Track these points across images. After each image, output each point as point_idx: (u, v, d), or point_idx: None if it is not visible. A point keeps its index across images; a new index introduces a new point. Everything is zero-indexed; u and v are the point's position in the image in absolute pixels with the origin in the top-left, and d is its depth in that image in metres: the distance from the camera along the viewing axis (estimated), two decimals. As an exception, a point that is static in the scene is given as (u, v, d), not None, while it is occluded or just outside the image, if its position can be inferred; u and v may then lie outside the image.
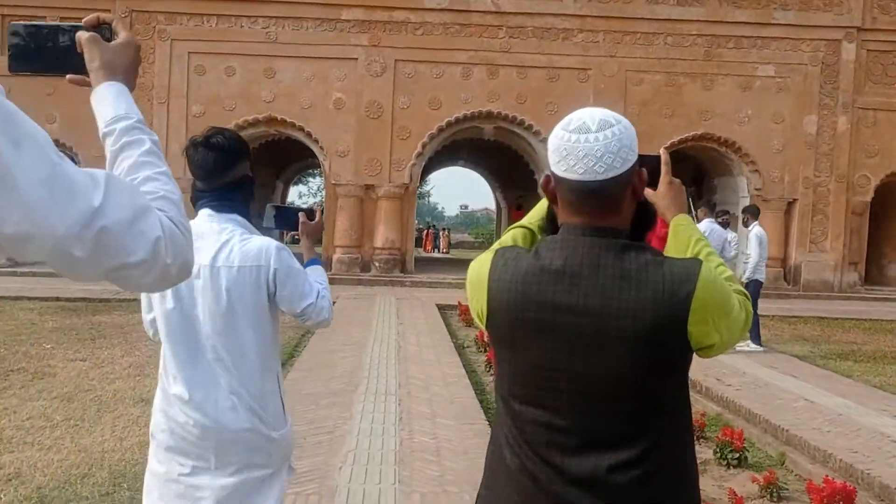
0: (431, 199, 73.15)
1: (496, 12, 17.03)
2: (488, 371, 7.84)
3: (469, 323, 11.51)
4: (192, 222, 1.79)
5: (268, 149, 20.01)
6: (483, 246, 41.33)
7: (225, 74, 16.76)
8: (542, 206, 1.70)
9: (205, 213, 2.17)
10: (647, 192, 1.61)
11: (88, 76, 1.17)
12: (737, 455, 4.89)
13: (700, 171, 21.28)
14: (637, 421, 1.38)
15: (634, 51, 17.27)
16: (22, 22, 1.17)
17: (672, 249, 1.59)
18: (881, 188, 18.10)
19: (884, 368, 8.49)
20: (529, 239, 1.68)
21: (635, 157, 1.43)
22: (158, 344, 2.25)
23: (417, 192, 19.44)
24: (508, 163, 23.01)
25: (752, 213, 9.92)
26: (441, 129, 17.12)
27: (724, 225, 10.55)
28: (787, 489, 4.48)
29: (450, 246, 37.04)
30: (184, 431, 2.12)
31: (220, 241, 2.11)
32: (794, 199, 17.75)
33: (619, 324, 1.35)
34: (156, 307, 2.18)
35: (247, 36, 16.75)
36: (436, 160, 21.41)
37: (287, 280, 2.17)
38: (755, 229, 9.57)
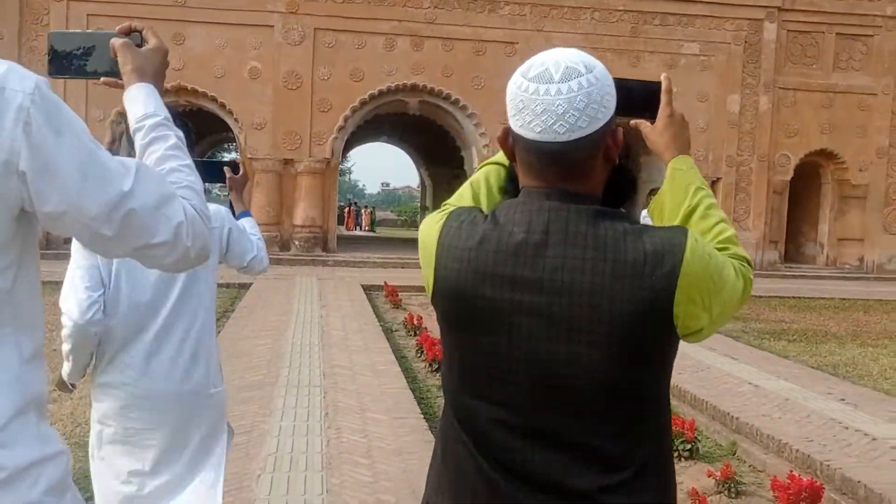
0: (352, 177, 72.10)
1: (421, -19, 16.46)
2: (419, 357, 7.42)
3: (396, 304, 11.06)
4: None
5: (177, 120, 18.87)
6: (406, 224, 40.78)
7: (129, 39, 15.61)
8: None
9: None
10: (643, 127, 1.44)
11: (121, 79, 1.28)
12: (688, 446, 4.62)
13: (627, 149, 21.32)
14: (614, 422, 1.19)
15: (561, 25, 17.02)
16: (59, 30, 1.33)
17: (668, 200, 1.37)
18: (800, 167, 18.53)
19: (817, 348, 8.51)
20: (504, 177, 1.40)
21: (609, 115, 1.20)
22: None
23: (339, 168, 18.77)
24: (434, 139, 22.54)
25: None
26: (364, 103, 16.48)
27: None
28: (744, 483, 4.24)
29: (374, 224, 36.47)
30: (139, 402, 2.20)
31: None
32: (718, 178, 17.97)
33: (592, 304, 1.14)
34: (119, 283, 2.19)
35: (153, -2, 15.64)
36: (358, 135, 20.71)
37: (238, 238, 2.44)
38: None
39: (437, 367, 6.85)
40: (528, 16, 16.84)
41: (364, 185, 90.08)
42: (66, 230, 1.04)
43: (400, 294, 11.63)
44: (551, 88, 1.16)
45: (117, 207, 1.02)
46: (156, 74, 1.30)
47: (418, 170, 29.70)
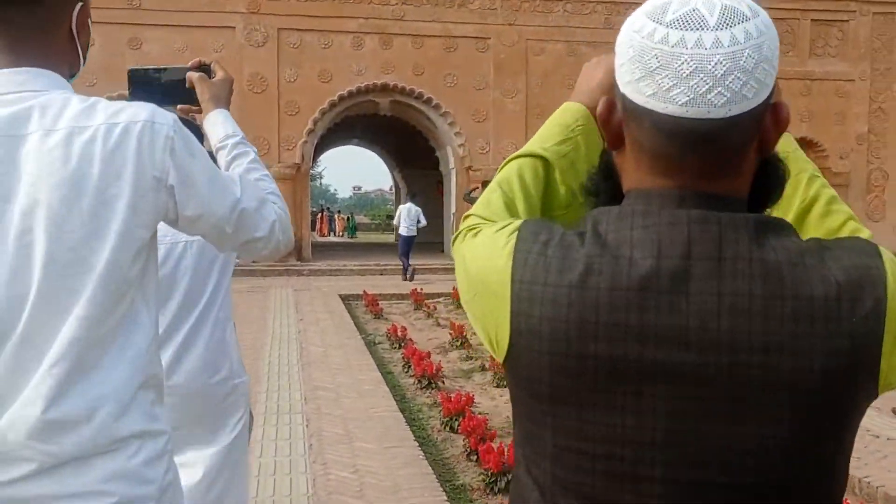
0: (323, 181, 71.41)
1: (388, -24, 16.01)
2: (406, 372, 6.98)
3: (377, 314, 10.60)
4: None
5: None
6: (381, 228, 40.14)
7: (82, 45, 14.98)
8: (566, 125, 1.07)
9: None
10: None
11: (195, 105, 1.54)
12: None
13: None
14: None
15: (533, 18, 16.68)
16: (138, 66, 1.51)
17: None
18: (779, 156, 18.38)
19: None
20: (543, 178, 1.05)
21: (774, 80, 0.81)
22: None
23: (310, 173, 18.26)
24: (407, 140, 22.10)
25: None
26: (333, 104, 15.99)
27: None
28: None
29: (353, 229, 35.97)
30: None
31: None
32: (699, 170, 17.75)
33: (768, 362, 0.77)
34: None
35: (105, 1, 14.98)
36: (328, 138, 20.20)
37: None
38: None
39: (427, 383, 6.42)
40: (498, 10, 16.47)
41: (336, 190, 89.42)
42: (198, 230, 1.28)
43: (381, 303, 11.18)
44: (705, 38, 0.78)
45: (234, 210, 1.28)
46: (227, 101, 1.54)
47: (391, 172, 29.24)
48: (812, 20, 18.16)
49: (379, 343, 8.57)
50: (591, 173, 0.94)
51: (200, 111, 1.53)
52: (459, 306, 11.78)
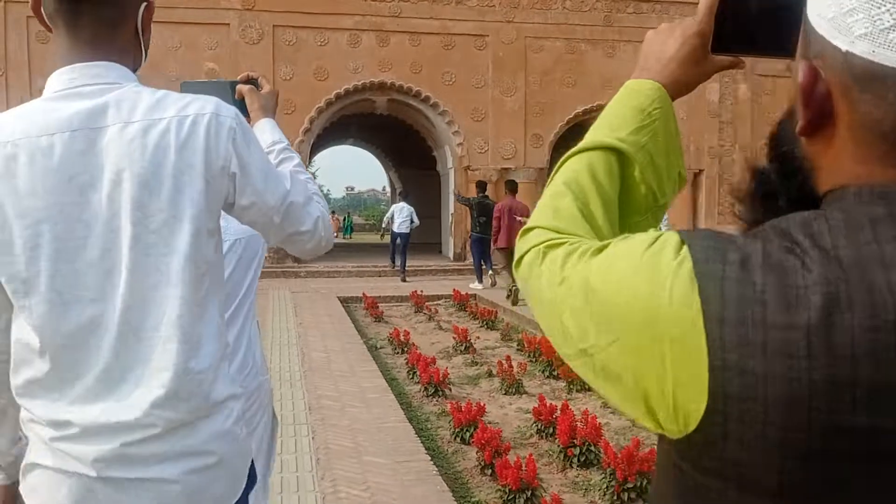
0: (318, 181, 71.08)
1: (385, -27, 15.78)
2: (412, 378, 6.78)
3: (378, 318, 10.39)
4: None
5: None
6: (375, 228, 39.87)
7: (74, 43, 14.70)
8: (641, 108, 0.90)
9: None
10: None
11: (246, 115, 1.62)
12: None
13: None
14: None
15: (532, 16, 16.48)
16: (190, 80, 1.71)
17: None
18: (780, 156, 18.24)
19: None
20: (619, 176, 0.87)
21: None
22: None
23: (305, 173, 18.01)
24: (403, 139, 21.87)
25: None
26: (330, 103, 15.74)
27: None
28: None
29: (350, 229, 35.78)
30: None
31: None
32: (701, 170, 17.59)
33: None
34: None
35: (98, -2, 14.73)
36: (324, 138, 19.92)
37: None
38: None
39: (433, 391, 6.22)
40: (497, 7, 16.26)
41: (329, 190, 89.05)
42: (249, 217, 1.38)
43: (380, 306, 10.97)
44: None
45: (283, 202, 1.39)
46: (273, 110, 1.66)
47: (387, 172, 28.99)
48: (813, 18, 18.05)
49: (381, 347, 8.36)
50: (759, 169, 0.73)
51: (249, 120, 1.64)
52: (461, 308, 11.64)
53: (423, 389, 6.33)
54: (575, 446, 4.48)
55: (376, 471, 4.15)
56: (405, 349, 7.97)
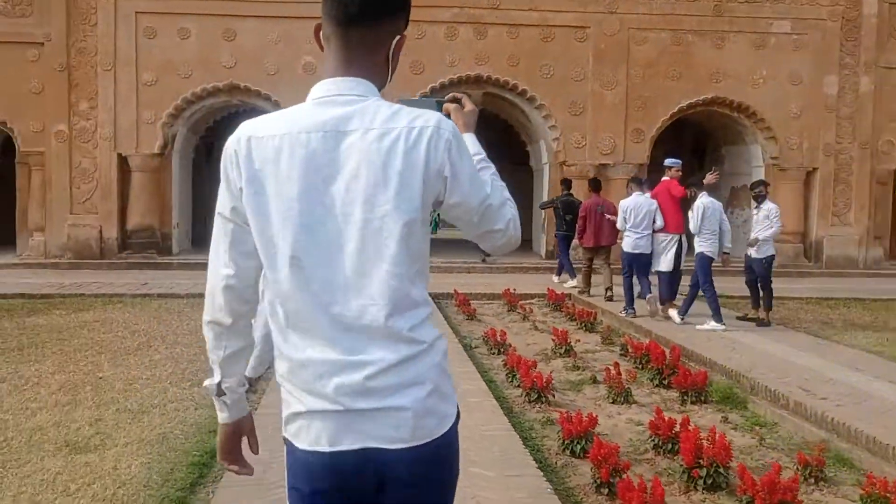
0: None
1: (484, -36, 15.48)
2: (511, 382, 6.47)
3: (471, 316, 10.11)
4: None
5: (231, 122, 18.30)
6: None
7: (179, 37, 15.04)
8: None
9: None
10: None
11: None
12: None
13: (701, 140, 20.01)
14: None
15: (636, 6, 15.84)
16: (410, 98, 1.82)
17: None
18: (904, 155, 16.94)
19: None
20: None
21: None
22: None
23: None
24: (496, 134, 21.51)
25: (696, 184, 9.64)
26: (425, 97, 15.57)
27: (760, 198, 9.70)
28: None
29: (434, 226, 35.66)
30: None
31: None
32: (814, 168, 16.53)
33: None
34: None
35: (202, -7, 15.04)
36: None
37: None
38: (700, 200, 9.36)
39: (535, 396, 5.89)
40: (600, -3, 15.72)
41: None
42: (454, 214, 1.64)
43: (472, 303, 10.69)
44: None
45: (483, 203, 1.64)
46: (474, 126, 1.83)
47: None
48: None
49: (476, 347, 8.08)
50: None
51: None
52: (556, 308, 11.21)
53: (524, 395, 6.01)
54: (701, 467, 4.07)
55: (484, 484, 3.85)
56: (502, 350, 7.66)
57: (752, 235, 9.70)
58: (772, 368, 6.76)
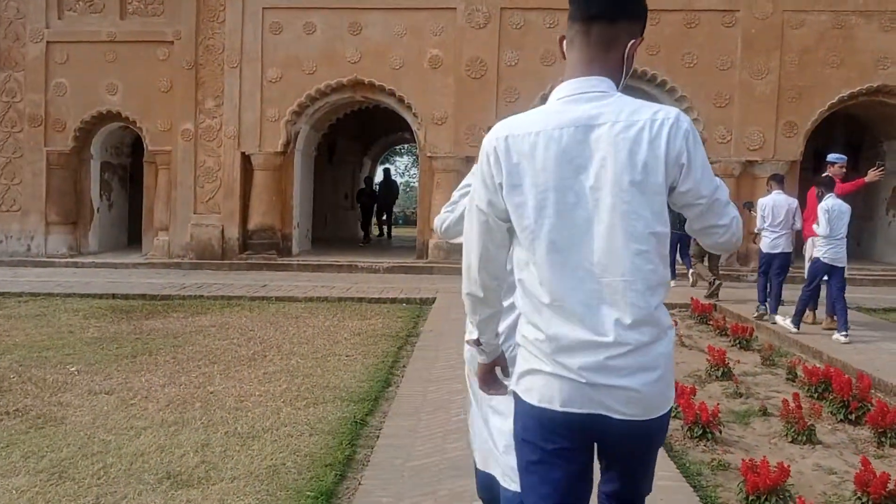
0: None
1: (621, -54, 14.45)
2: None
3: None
4: None
5: (354, 119, 18.14)
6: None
7: (304, 32, 14.89)
8: None
9: None
10: None
11: None
12: None
13: (856, 134, 18.11)
14: None
15: (794, -15, 14.38)
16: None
17: None
18: None
19: None
20: None
21: None
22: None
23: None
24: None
25: (825, 184, 9.10)
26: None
27: None
28: None
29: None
30: None
31: None
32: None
33: None
34: None
35: (326, -14, 14.83)
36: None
37: None
38: (825, 202, 8.90)
39: (700, 432, 5.03)
40: (751, -23, 14.36)
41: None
42: (683, 201, 1.80)
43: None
44: None
45: (711, 196, 1.80)
46: None
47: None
48: None
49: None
50: None
51: None
52: (702, 321, 10.15)
53: (686, 429, 5.15)
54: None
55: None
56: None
57: None
58: None
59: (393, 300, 10.78)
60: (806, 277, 9.24)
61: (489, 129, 3.08)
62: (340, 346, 7.66)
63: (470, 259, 1.92)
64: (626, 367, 1.73)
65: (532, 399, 1.82)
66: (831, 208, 8.85)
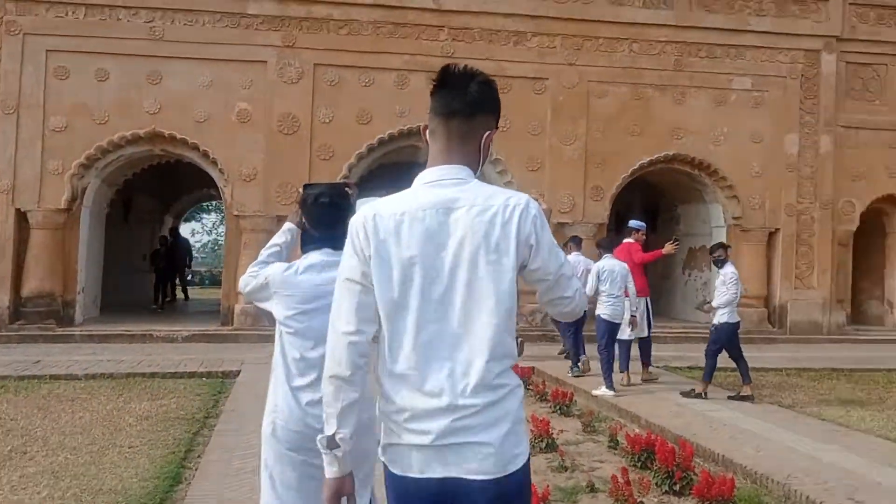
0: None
1: (436, 10, 14.62)
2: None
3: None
4: (311, 258, 2.96)
5: (153, 174, 16.81)
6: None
7: (96, 78, 13.59)
8: None
9: (324, 250, 2.94)
10: None
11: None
12: None
13: (654, 199, 19.43)
14: None
15: (597, 58, 15.20)
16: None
17: None
18: (862, 216, 16.56)
19: None
20: None
21: None
22: None
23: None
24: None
25: (604, 246, 9.81)
26: (372, 149, 14.46)
27: (719, 262, 9.15)
28: None
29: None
30: None
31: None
32: (776, 229, 15.96)
33: None
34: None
35: (125, 31, 13.70)
36: (360, 187, 18.55)
37: None
38: (599, 262, 9.45)
39: None
40: (558, 48, 15.02)
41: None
42: (533, 277, 2.01)
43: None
44: None
45: (557, 272, 2.02)
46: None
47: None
48: (900, 66, 16.56)
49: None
50: None
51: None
52: (523, 386, 10.02)
53: None
54: None
55: None
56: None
57: (710, 302, 9.28)
58: (803, 469, 5.67)
59: (191, 374, 9.72)
60: (598, 338, 9.30)
61: (304, 186, 3.23)
62: (123, 435, 6.59)
63: (337, 336, 1.98)
64: (477, 426, 1.87)
65: (396, 469, 1.95)
66: (601, 269, 9.22)
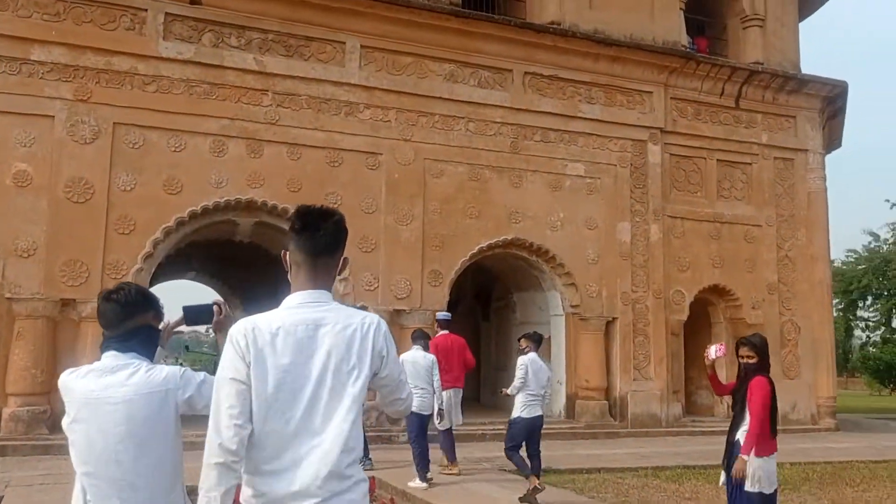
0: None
1: (259, 72, 13.51)
2: None
3: None
4: (99, 362, 2.79)
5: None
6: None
7: None
8: None
9: (110, 353, 2.77)
10: None
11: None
12: None
13: (488, 285, 19.13)
14: None
15: (432, 135, 14.74)
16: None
17: None
18: (692, 305, 17.10)
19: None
20: None
21: None
22: None
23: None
24: (258, 274, 18.99)
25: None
26: (182, 223, 12.81)
27: (521, 353, 9.35)
28: None
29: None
30: None
31: (128, 373, 2.68)
32: (614, 318, 16.00)
33: None
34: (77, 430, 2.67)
35: None
36: (166, 268, 16.46)
37: (199, 396, 2.73)
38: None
39: None
40: (392, 122, 14.40)
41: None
42: (381, 383, 2.53)
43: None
44: None
45: (398, 379, 2.58)
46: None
47: (232, 312, 25.44)
48: (718, 160, 17.62)
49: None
50: None
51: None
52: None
53: None
54: None
55: None
56: None
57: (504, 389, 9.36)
58: None
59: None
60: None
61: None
62: None
63: (220, 427, 2.29)
64: None
65: None
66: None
